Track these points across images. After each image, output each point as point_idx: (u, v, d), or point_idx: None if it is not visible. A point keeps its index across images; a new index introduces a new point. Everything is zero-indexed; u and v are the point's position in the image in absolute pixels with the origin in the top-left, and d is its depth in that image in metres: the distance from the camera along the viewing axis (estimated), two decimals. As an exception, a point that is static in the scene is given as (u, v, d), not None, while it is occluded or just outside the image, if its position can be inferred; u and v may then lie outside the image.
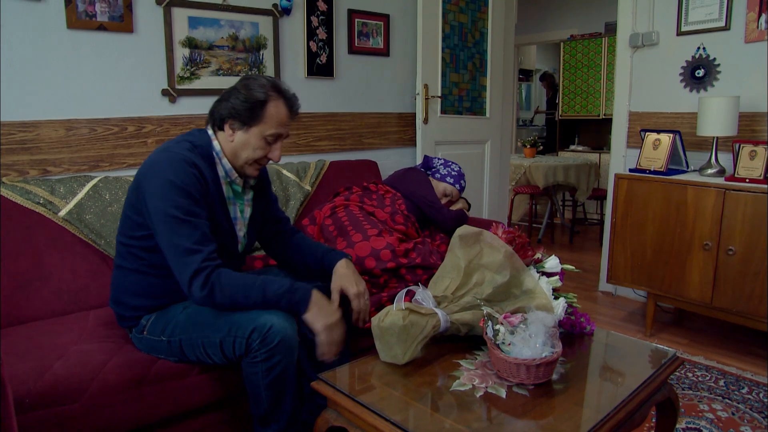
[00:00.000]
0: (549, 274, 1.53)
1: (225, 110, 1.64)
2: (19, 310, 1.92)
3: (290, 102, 1.71)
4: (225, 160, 1.69)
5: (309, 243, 1.96)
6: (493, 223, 1.67)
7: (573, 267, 1.62)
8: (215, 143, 1.69)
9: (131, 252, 1.67)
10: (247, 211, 1.83)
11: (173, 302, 1.71)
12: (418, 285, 1.51)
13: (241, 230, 1.80)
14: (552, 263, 1.54)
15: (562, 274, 1.56)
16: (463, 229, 1.49)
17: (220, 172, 1.70)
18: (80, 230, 2.13)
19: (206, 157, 1.66)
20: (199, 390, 1.67)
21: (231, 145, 1.67)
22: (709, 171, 2.85)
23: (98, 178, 2.26)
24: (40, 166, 2.25)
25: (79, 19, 2.27)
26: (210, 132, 1.71)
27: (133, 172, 2.44)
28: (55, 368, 1.51)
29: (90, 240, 2.14)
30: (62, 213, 2.12)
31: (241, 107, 1.62)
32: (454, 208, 2.81)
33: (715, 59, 3.06)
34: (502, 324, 1.33)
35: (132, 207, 1.64)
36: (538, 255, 1.57)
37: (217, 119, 1.67)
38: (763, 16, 2.85)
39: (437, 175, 2.86)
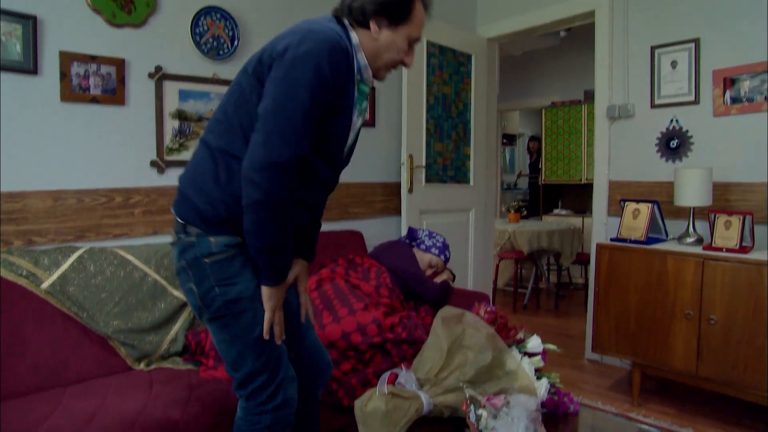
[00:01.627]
0: (531, 354, 1.54)
1: (371, 4, 1.44)
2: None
3: (427, 3, 1.56)
4: (361, 55, 1.48)
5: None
6: (476, 303, 1.69)
7: (555, 347, 1.63)
8: (353, 35, 1.48)
9: (248, 136, 1.38)
10: (359, 121, 1.59)
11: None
12: (402, 366, 1.51)
13: (350, 138, 1.58)
14: (534, 343, 1.55)
15: (545, 353, 1.56)
16: (446, 311, 1.51)
17: (354, 67, 1.47)
18: (62, 302, 2.11)
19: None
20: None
21: (374, 43, 1.48)
22: (688, 240, 2.91)
23: (83, 249, 2.26)
24: (25, 236, 2.25)
25: (72, 92, 2.33)
26: (346, 23, 1.49)
27: (119, 243, 2.45)
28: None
29: (72, 312, 2.12)
30: (45, 285, 2.10)
31: (393, 2, 1.44)
32: (439, 279, 2.84)
33: (687, 131, 3.19)
34: (484, 408, 1.33)
35: (256, 76, 1.41)
36: (520, 335, 1.58)
37: (358, 13, 1.46)
38: (728, 93, 2.99)
39: (422, 247, 2.90)
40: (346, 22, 1.49)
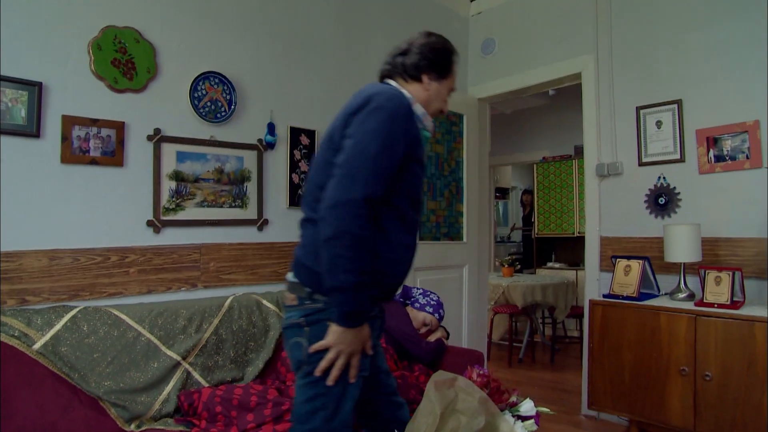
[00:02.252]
0: (524, 418, 1.53)
1: (424, 61, 1.70)
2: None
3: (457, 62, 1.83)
4: (417, 106, 1.66)
5: None
6: (468, 366, 1.70)
7: (548, 410, 1.63)
8: (405, 91, 1.67)
9: None
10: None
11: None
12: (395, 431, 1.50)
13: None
14: (527, 407, 1.55)
15: (538, 416, 1.56)
16: (438, 375, 1.51)
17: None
18: (54, 363, 2.10)
19: None
20: None
21: (425, 94, 1.71)
22: (680, 295, 2.93)
23: (77, 309, 2.26)
24: (18, 295, 2.25)
25: (73, 154, 2.38)
26: (393, 83, 1.71)
27: (113, 302, 2.46)
28: None
29: (63, 374, 2.11)
30: (36, 346, 2.09)
31: (440, 60, 1.71)
32: (433, 337, 2.83)
33: (675, 188, 3.26)
34: (478, 473, 1.32)
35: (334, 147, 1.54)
36: (513, 398, 1.58)
37: (412, 68, 1.70)
38: (711, 151, 3.08)
39: (416, 305, 2.91)
40: (393, 82, 1.73)
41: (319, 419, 1.49)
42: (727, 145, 3.03)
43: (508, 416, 1.51)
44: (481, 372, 1.58)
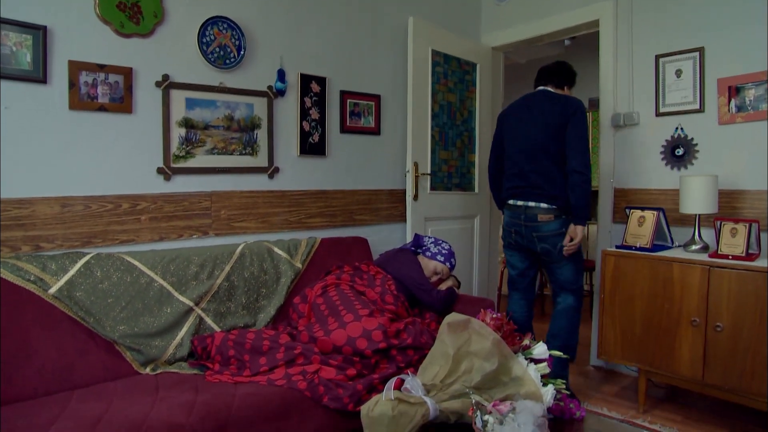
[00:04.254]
0: (537, 361, 1.54)
1: (568, 78, 3.09)
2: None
3: None
4: None
5: None
6: (481, 309, 1.69)
7: (561, 353, 1.63)
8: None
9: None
10: None
11: None
12: (408, 371, 1.51)
13: None
14: (540, 350, 1.56)
15: (551, 360, 1.57)
16: (452, 317, 1.51)
17: None
18: (70, 307, 2.13)
19: None
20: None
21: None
22: (694, 247, 2.90)
23: (90, 255, 2.28)
24: (33, 242, 2.27)
25: (81, 100, 2.35)
26: (551, 88, 3.06)
27: (125, 249, 2.47)
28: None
29: (79, 317, 2.14)
30: (52, 290, 2.12)
31: (573, 77, 3.15)
32: (444, 286, 2.84)
33: (692, 139, 3.19)
34: (491, 413, 1.33)
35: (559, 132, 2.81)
36: (526, 341, 1.59)
37: (563, 82, 3.08)
38: (733, 101, 3.00)
39: (428, 254, 2.90)
40: (550, 87, 3.06)
41: (581, 275, 2.99)
42: (750, 94, 2.94)
43: (521, 359, 1.52)
44: (494, 315, 1.58)
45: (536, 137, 2.81)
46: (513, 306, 3.09)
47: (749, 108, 2.94)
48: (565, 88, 3.01)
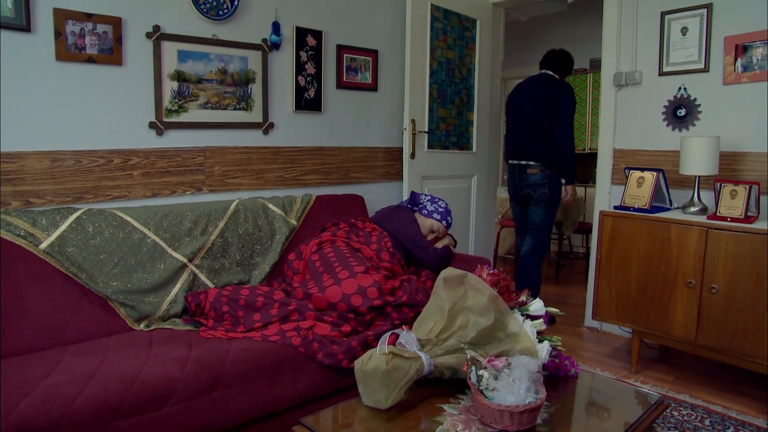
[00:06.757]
0: (533, 317, 1.53)
1: (568, 69, 3.75)
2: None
3: None
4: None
5: None
6: (478, 265, 1.67)
7: (557, 310, 1.62)
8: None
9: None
10: None
11: None
12: (402, 327, 1.50)
13: None
14: (536, 306, 1.54)
15: (547, 316, 1.55)
16: (448, 272, 1.49)
17: None
18: (61, 263, 2.10)
19: None
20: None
21: None
22: (692, 209, 2.88)
23: (82, 210, 2.24)
24: (22, 197, 2.22)
25: (68, 51, 2.27)
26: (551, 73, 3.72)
27: (117, 205, 2.43)
28: (21, 407, 1.46)
29: (71, 273, 2.11)
30: (43, 245, 2.09)
31: (571, 67, 3.77)
32: (440, 244, 2.82)
33: (695, 99, 3.13)
34: (486, 369, 1.32)
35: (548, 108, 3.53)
36: (523, 298, 1.57)
37: (566, 70, 3.76)
38: (739, 60, 2.93)
39: (424, 212, 2.87)
40: (551, 72, 3.71)
41: (551, 224, 3.70)
42: (758, 53, 2.86)
43: (517, 315, 1.51)
44: (491, 271, 1.56)
45: (531, 113, 3.56)
46: (519, 245, 3.94)
47: (756, 67, 2.88)
48: (564, 75, 3.76)
